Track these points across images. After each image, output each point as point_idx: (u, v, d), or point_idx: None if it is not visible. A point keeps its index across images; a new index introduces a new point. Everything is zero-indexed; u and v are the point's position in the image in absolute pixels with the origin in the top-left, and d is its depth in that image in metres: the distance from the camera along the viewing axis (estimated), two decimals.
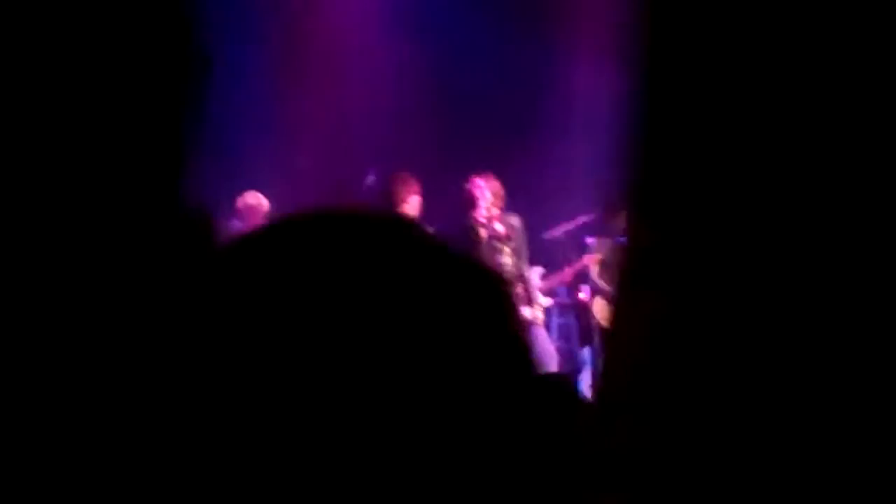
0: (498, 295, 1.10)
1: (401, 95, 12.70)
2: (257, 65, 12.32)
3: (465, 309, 1.06)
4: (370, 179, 10.97)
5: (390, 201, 9.76)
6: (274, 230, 1.12)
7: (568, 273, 11.75)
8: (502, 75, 13.25)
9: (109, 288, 1.28)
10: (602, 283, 11.77)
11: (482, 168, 11.20)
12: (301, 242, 1.08)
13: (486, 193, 10.01)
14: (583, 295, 11.92)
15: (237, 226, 10.22)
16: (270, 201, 10.46)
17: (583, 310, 12.10)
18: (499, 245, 10.22)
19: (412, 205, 9.85)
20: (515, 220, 10.53)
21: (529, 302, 10.59)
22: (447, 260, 1.10)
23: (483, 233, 10.00)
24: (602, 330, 11.71)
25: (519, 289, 10.42)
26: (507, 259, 10.29)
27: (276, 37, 12.62)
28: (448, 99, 13.29)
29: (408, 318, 1.03)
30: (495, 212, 10.10)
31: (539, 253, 11.54)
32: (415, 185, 9.90)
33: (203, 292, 1.08)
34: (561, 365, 12.32)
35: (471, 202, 10.09)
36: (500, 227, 10.17)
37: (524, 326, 1.13)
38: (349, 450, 0.99)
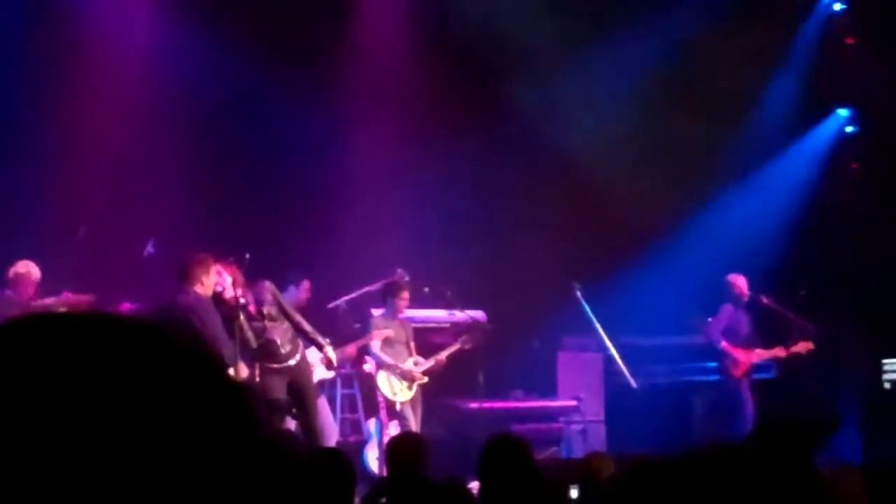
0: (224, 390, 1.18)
1: (182, 164, 12.58)
2: (33, 134, 12.10)
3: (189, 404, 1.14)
4: (149, 250, 10.87)
5: (186, 279, 9.58)
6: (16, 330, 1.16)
7: (351, 348, 11.80)
8: (287, 144, 13.26)
9: None
10: (384, 357, 11.85)
11: (262, 238, 11.14)
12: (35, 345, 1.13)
13: (226, 278, 9.93)
14: (368, 367, 11.97)
15: (9, 295, 10.05)
16: (49, 271, 10.32)
17: (367, 382, 12.16)
18: (259, 318, 10.21)
19: (208, 284, 9.68)
20: (265, 287, 10.45)
21: None
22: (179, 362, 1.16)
23: (238, 313, 9.91)
24: (386, 402, 11.78)
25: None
26: (277, 324, 10.29)
27: (55, 105, 12.38)
28: (232, 169, 13.25)
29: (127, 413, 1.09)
30: (238, 292, 9.97)
31: (324, 322, 11.52)
32: (211, 264, 9.80)
33: None
34: (346, 435, 12.35)
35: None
36: (250, 304, 10.11)
37: (250, 416, 1.21)
38: None
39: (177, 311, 9.30)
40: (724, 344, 12.66)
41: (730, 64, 14.17)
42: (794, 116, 14.93)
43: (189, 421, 1.09)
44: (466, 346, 12.17)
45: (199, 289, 9.59)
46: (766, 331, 12.96)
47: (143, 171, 12.58)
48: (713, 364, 13.01)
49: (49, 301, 10.07)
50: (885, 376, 13.13)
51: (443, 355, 12.10)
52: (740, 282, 12.77)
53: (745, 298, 12.76)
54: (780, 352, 12.70)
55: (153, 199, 12.34)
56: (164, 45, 13.10)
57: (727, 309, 12.80)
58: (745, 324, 12.78)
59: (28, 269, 10.25)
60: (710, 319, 12.92)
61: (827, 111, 15.23)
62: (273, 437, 9.38)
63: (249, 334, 9.98)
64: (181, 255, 9.86)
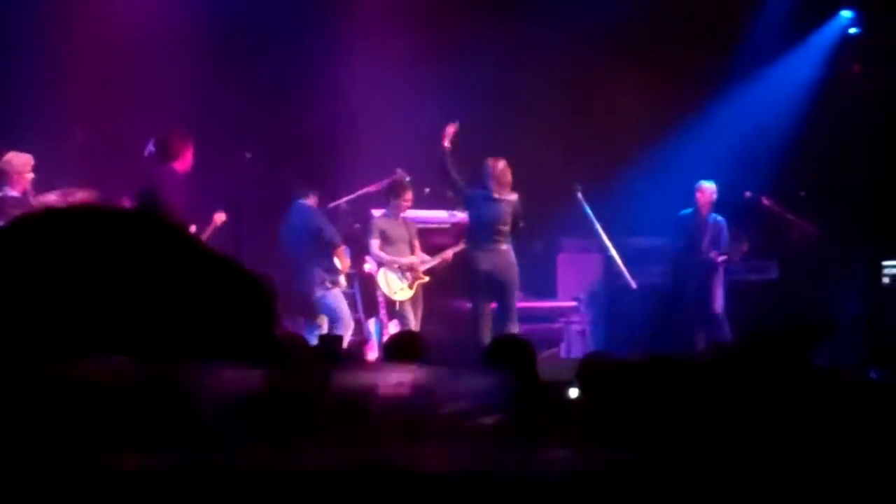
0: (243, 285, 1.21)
1: (184, 66, 12.50)
2: (31, 36, 12.01)
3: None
4: (150, 149, 10.84)
5: (165, 154, 10.09)
6: (38, 224, 1.17)
7: None
8: (287, 45, 13.17)
9: None
10: (383, 255, 11.87)
11: (262, 139, 11.14)
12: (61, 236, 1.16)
13: None
14: (368, 266, 11.99)
15: (7, 196, 9.85)
16: (47, 173, 10.17)
17: (367, 281, 12.19)
18: None
19: (185, 159, 10.13)
20: None
21: None
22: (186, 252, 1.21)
23: None
24: (387, 301, 11.82)
25: None
26: None
27: (54, 5, 12.30)
28: (232, 73, 13.16)
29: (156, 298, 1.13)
30: None
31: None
32: (190, 143, 10.21)
33: None
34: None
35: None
36: None
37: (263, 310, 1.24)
38: None
39: None
40: None
41: None
42: (798, 17, 14.78)
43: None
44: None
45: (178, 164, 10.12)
46: (768, 232, 12.98)
47: (144, 72, 12.51)
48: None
49: (52, 197, 9.82)
50: (885, 271, 13.09)
51: (448, 253, 12.10)
52: (702, 189, 12.73)
53: (706, 206, 12.70)
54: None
55: (154, 100, 12.28)
56: None
57: (685, 214, 12.80)
58: (708, 230, 12.72)
59: (9, 159, 9.98)
60: None
61: (830, 13, 15.07)
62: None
63: None
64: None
